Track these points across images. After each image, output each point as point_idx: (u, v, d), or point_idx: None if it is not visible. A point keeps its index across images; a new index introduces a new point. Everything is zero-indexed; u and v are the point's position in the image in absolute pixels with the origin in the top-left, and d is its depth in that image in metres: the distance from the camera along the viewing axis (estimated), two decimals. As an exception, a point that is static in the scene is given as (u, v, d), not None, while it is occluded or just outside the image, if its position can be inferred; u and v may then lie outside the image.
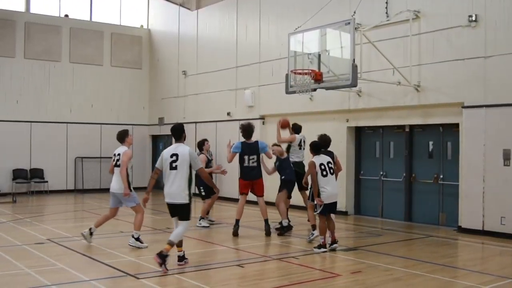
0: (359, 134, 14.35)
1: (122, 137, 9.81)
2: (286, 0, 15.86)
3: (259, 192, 11.06)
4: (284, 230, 11.03)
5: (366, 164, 14.21)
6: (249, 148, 10.90)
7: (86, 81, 21.35)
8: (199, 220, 12.21)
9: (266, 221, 10.96)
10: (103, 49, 21.83)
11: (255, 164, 10.90)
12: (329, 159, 9.43)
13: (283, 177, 11.24)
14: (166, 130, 21.50)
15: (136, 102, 22.59)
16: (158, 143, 22.86)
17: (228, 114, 18.04)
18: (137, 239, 9.46)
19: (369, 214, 13.94)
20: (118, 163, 9.54)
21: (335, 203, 9.39)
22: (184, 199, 7.68)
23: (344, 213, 13.97)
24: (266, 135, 16.54)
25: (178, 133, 7.93)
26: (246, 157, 10.87)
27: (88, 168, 20.95)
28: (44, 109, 20.37)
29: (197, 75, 19.77)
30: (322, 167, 9.22)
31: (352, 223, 12.91)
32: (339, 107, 14.05)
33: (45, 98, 20.42)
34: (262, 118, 16.85)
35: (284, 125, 11.75)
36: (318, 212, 9.23)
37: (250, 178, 10.93)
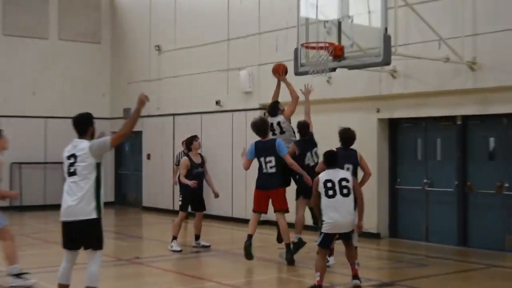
0: (395, 129, 14.32)
1: None
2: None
3: (278, 205, 11.06)
4: (295, 249, 11.08)
5: (404, 170, 14.19)
6: (263, 149, 11.06)
7: (25, 60, 21.30)
8: (171, 242, 12.43)
9: (288, 246, 10.96)
10: (48, 17, 21.79)
11: (274, 169, 10.99)
12: (344, 174, 9.06)
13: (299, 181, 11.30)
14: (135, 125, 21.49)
15: (94, 88, 22.56)
16: (123, 142, 22.82)
17: (218, 103, 18.05)
18: (18, 276, 9.34)
19: (410, 237, 13.90)
20: None
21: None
22: (89, 214, 7.24)
23: (376, 236, 13.95)
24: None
25: (82, 126, 7.60)
26: (262, 160, 11.04)
27: (29, 178, 20.94)
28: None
29: (175, 51, 19.77)
30: (329, 184, 8.80)
31: (386, 249, 12.89)
32: (367, 93, 14.05)
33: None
34: (263, 108, 16.81)
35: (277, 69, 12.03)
36: (318, 243, 8.99)
37: (267, 187, 11.05)
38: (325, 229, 8.74)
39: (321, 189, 8.78)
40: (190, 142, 13.22)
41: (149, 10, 20.97)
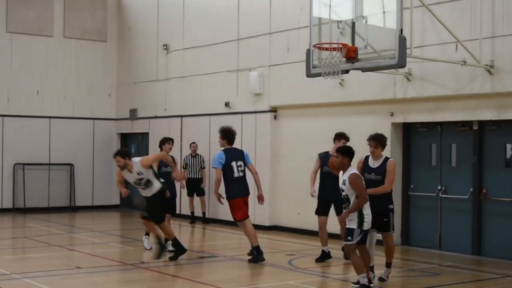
0: (408, 133, 14.31)
1: None
2: None
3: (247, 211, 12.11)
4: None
5: (417, 175, 14.16)
6: (234, 154, 11.96)
7: (29, 58, 21.37)
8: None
9: (257, 248, 11.81)
10: (53, 15, 21.85)
11: (243, 173, 11.91)
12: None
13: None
14: (141, 127, 21.58)
15: (99, 88, 22.62)
16: (129, 143, 22.89)
17: (227, 105, 18.06)
18: None
19: (422, 245, 13.89)
20: None
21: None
22: None
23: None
24: (279, 133, 16.55)
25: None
26: (234, 164, 11.81)
27: (32, 179, 21.00)
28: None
29: (183, 50, 19.81)
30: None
31: (398, 258, 12.85)
32: (381, 96, 14.03)
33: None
34: (273, 110, 16.83)
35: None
36: (354, 241, 9.16)
37: (246, 193, 11.95)
38: (365, 225, 9.09)
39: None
40: (162, 143, 13.42)
41: (157, 8, 20.97)
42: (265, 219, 16.45)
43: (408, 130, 14.33)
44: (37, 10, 21.55)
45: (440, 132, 13.77)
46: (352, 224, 9.05)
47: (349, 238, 9.11)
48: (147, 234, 12.97)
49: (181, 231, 16.31)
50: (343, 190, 9.21)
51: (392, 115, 14.06)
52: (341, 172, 9.36)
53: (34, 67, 21.45)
